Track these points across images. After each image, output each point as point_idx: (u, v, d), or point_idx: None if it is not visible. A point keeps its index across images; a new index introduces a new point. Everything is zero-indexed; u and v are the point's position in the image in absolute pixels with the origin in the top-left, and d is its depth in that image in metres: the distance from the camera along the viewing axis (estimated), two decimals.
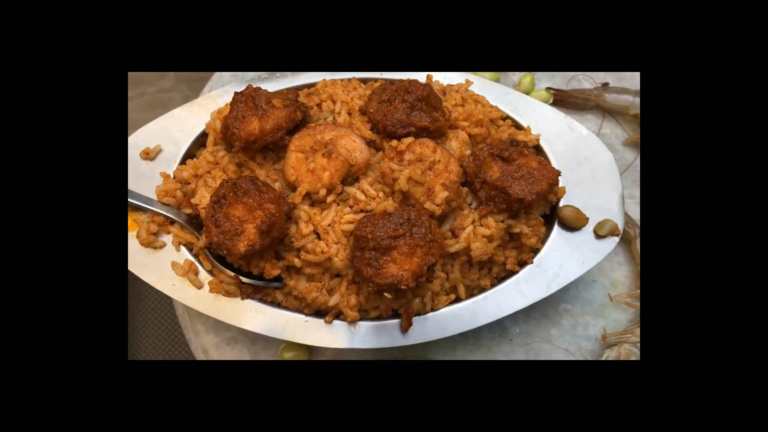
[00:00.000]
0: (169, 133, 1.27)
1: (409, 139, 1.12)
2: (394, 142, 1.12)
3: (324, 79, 1.32)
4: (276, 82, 1.34)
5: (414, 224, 1.05)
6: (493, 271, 1.18)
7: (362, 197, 1.10)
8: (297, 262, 1.08)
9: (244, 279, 1.12)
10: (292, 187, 1.12)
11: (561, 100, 1.53)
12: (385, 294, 1.03)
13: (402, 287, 1.02)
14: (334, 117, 1.19)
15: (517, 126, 1.32)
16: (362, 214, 1.09)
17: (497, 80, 1.49)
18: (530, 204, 1.13)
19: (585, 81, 1.60)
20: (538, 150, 1.30)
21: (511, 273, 1.18)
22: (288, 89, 1.29)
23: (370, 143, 1.17)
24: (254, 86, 1.18)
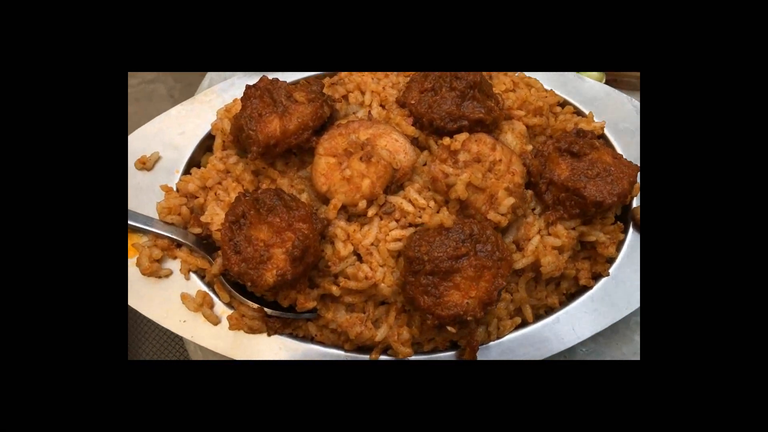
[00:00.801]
0: (168, 136, 1.06)
1: (464, 136, 0.92)
2: (446, 140, 0.92)
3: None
4: (289, 73, 1.13)
5: (478, 240, 0.86)
6: (563, 286, 1.00)
7: (410, 208, 0.91)
8: (335, 290, 0.89)
9: (270, 311, 0.93)
10: (324, 199, 0.93)
11: (614, 80, 1.34)
12: (449, 328, 0.84)
13: (468, 318, 0.83)
14: (369, 112, 0.99)
15: (577, 112, 1.13)
16: (411, 229, 0.90)
17: None
18: (609, 207, 0.95)
19: None
20: (604, 140, 1.11)
21: (584, 288, 1.00)
22: (310, 78, 1.08)
23: (413, 142, 0.97)
24: (270, 77, 0.97)
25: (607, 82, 1.35)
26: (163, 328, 0.95)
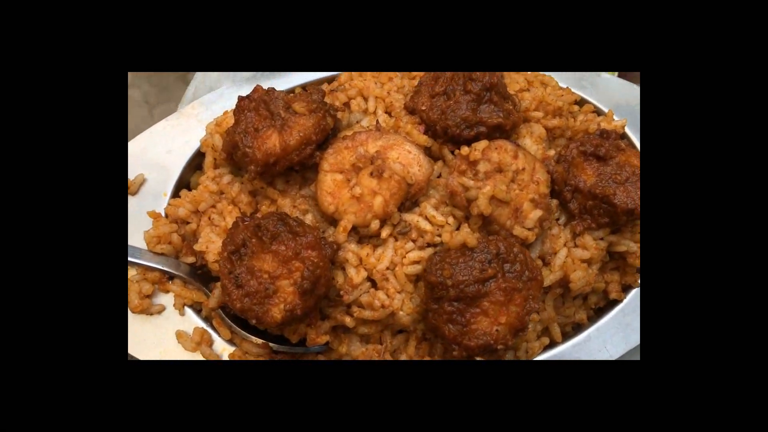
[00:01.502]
0: (153, 155, 0.96)
1: (483, 144, 0.84)
2: (465, 149, 0.84)
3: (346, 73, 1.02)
4: (284, 78, 1.04)
5: (506, 260, 0.78)
6: (590, 300, 0.93)
7: (428, 227, 0.82)
8: (349, 321, 0.80)
9: (276, 347, 0.84)
10: (331, 221, 0.84)
11: (624, 74, 1.27)
12: (478, 359, 0.76)
13: (499, 348, 0.75)
14: (377, 121, 0.90)
15: (597, 111, 1.05)
16: (430, 250, 0.82)
17: None
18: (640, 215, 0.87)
19: None
20: (624, 138, 1.03)
21: (614, 302, 0.93)
22: (308, 85, 0.99)
23: (426, 152, 0.88)
24: (265, 87, 0.87)
25: (620, 76, 1.28)
26: None
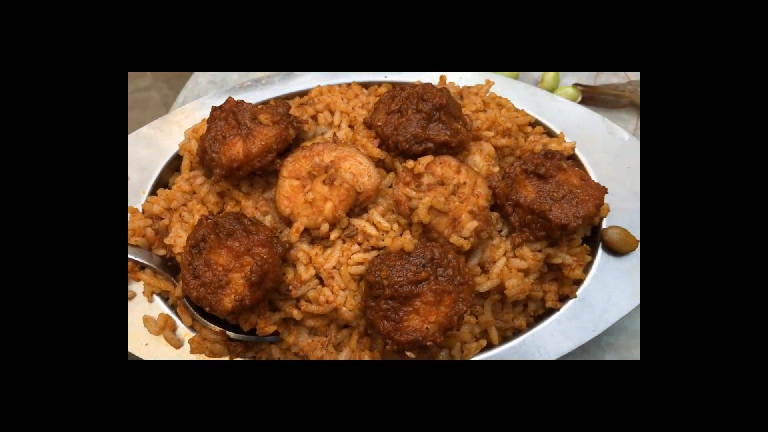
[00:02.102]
0: (137, 156, 1.06)
1: (428, 158, 0.92)
2: (410, 163, 0.92)
3: (318, 86, 1.11)
4: (262, 90, 1.14)
5: (439, 265, 0.85)
6: (530, 308, 1.00)
7: (373, 232, 0.90)
8: (296, 314, 0.88)
9: (232, 335, 0.92)
10: (287, 222, 0.92)
11: (591, 98, 1.34)
12: (408, 354, 0.84)
13: (428, 344, 0.83)
14: (334, 133, 0.98)
15: (549, 133, 1.13)
16: (374, 253, 0.90)
17: (516, 77, 1.30)
18: (574, 230, 0.94)
19: (613, 75, 1.41)
20: (574, 160, 1.11)
21: (551, 310, 0.99)
22: (276, 99, 1.08)
23: (378, 164, 0.97)
24: (236, 99, 0.97)
25: (583, 100, 1.35)
26: None
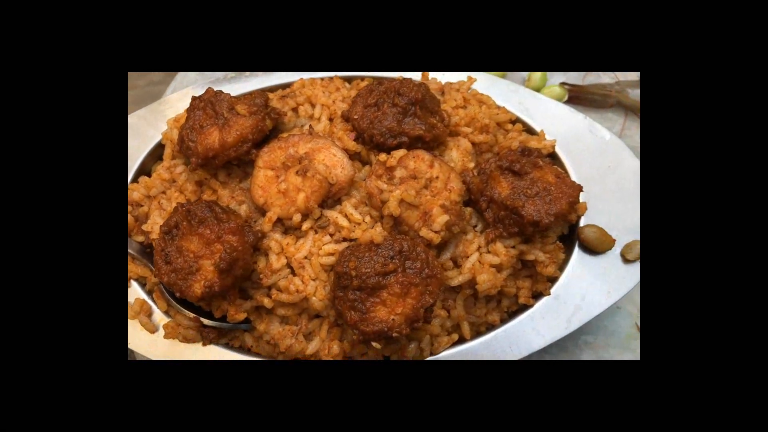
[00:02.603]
0: None
1: (401, 152, 0.93)
2: (383, 156, 0.93)
3: (301, 78, 1.12)
4: (245, 83, 1.15)
5: (407, 257, 0.86)
6: (503, 304, 1.00)
7: (345, 223, 0.91)
8: (267, 302, 0.89)
9: (205, 321, 0.94)
10: (262, 211, 0.93)
11: (577, 97, 1.34)
12: (373, 344, 0.85)
13: (393, 335, 0.83)
14: (310, 126, 1.00)
15: (529, 130, 1.13)
16: (345, 244, 0.91)
17: (503, 77, 1.30)
18: (546, 227, 0.94)
19: (603, 75, 1.41)
20: (554, 158, 1.11)
21: (525, 307, 1.00)
22: (257, 91, 1.09)
23: (354, 156, 0.98)
24: (215, 90, 0.98)
25: (570, 99, 1.35)
26: None
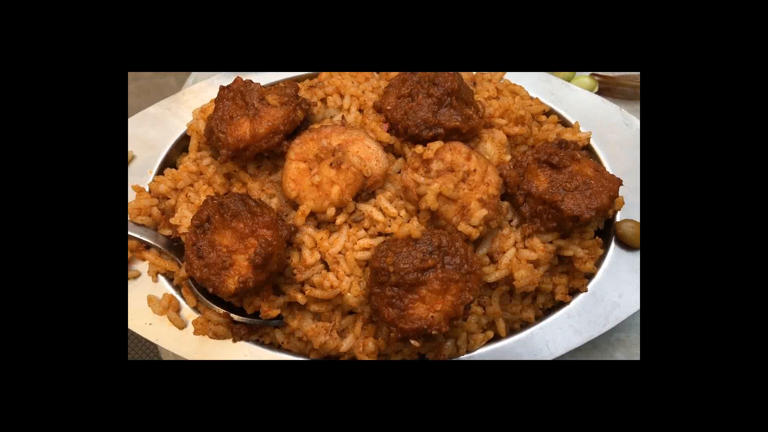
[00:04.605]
0: (144, 136, 1.05)
1: (437, 144, 0.90)
2: (419, 148, 0.90)
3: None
4: (270, 74, 1.12)
5: (446, 252, 0.83)
6: (539, 301, 0.98)
7: (380, 217, 0.89)
8: (300, 298, 0.87)
9: (236, 317, 0.91)
10: (293, 205, 0.91)
11: (608, 89, 1.31)
12: (412, 342, 0.82)
13: (433, 333, 0.81)
14: (342, 116, 0.97)
15: (563, 122, 1.10)
16: (381, 239, 0.88)
17: None
18: (587, 222, 0.92)
19: None
20: (588, 151, 1.08)
21: (561, 303, 0.97)
22: (285, 81, 1.06)
23: (388, 148, 0.95)
24: (244, 79, 0.95)
25: (600, 91, 1.32)
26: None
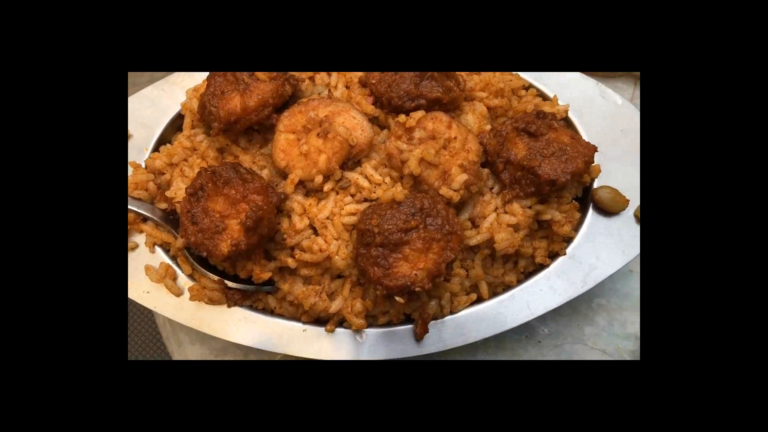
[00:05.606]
0: (139, 115, 1.10)
1: (419, 113, 0.94)
2: (402, 118, 0.95)
3: None
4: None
5: (428, 214, 0.88)
6: (520, 264, 1.02)
7: (366, 184, 0.93)
8: (291, 262, 0.91)
9: (230, 283, 0.96)
10: (283, 174, 0.95)
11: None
12: (397, 298, 0.87)
13: (416, 290, 0.85)
14: (329, 91, 1.01)
15: (542, 96, 1.15)
16: (366, 204, 0.93)
17: None
18: (563, 186, 0.96)
19: None
20: (567, 123, 1.12)
21: (541, 266, 1.02)
22: None
23: (373, 120, 0.99)
24: None
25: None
26: (143, 328, 0.98)
